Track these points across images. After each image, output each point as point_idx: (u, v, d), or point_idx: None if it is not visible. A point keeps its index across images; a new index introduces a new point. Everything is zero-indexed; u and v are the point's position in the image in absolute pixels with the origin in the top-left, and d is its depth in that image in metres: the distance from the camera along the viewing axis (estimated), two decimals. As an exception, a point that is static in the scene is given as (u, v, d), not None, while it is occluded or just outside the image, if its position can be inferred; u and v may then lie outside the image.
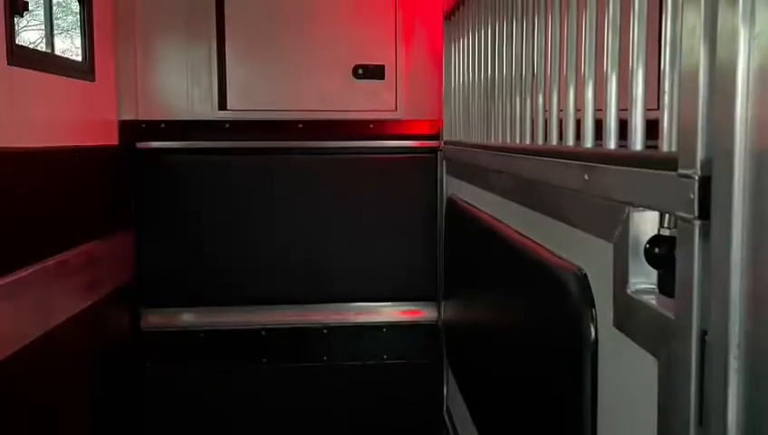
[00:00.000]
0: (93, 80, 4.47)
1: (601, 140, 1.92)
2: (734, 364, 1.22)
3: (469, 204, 3.90)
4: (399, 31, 5.18)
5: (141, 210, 5.11)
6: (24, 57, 3.53)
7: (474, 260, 3.73)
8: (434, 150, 5.17)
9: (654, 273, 1.68)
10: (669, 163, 1.41)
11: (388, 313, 5.34)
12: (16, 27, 3.45)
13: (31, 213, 3.60)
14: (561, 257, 2.24)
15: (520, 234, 2.74)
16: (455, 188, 4.55)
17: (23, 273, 3.44)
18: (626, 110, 1.75)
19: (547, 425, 2.37)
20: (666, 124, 1.56)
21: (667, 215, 1.59)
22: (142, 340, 5.17)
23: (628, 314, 1.73)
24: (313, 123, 5.19)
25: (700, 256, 1.32)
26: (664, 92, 1.55)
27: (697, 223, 1.31)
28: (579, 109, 2.14)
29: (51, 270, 3.73)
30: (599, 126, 1.98)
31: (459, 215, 4.13)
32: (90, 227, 4.35)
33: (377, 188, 5.26)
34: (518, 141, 2.85)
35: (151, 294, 5.18)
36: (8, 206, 3.36)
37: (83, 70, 4.37)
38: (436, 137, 5.13)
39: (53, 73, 3.90)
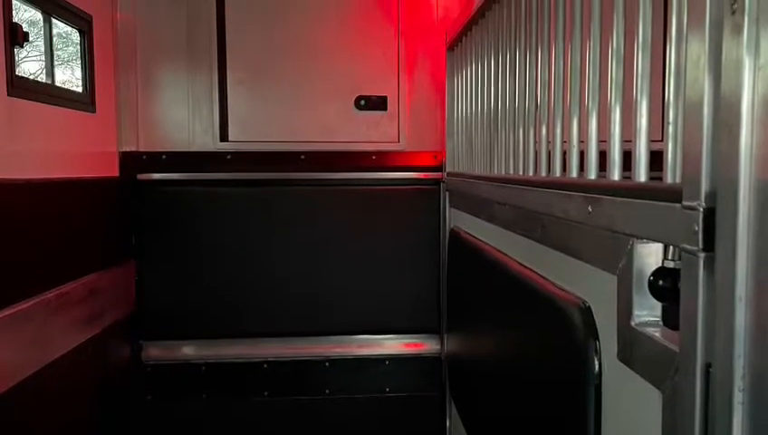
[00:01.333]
0: (94, 111, 4.48)
1: (605, 171, 1.91)
2: (738, 397, 1.20)
3: (472, 236, 3.89)
4: (402, 62, 5.19)
5: (142, 242, 5.10)
6: (24, 88, 3.53)
7: (477, 292, 3.72)
8: (437, 182, 5.17)
9: (658, 305, 1.67)
10: (673, 195, 1.40)
11: (391, 345, 5.32)
12: (16, 58, 3.45)
13: (31, 245, 3.58)
14: (564, 290, 2.23)
15: (523, 266, 2.73)
16: (457, 219, 4.54)
17: (22, 305, 3.43)
18: (630, 141, 1.74)
19: (551, 459, 2.35)
20: (670, 155, 1.55)
21: (671, 247, 1.58)
22: (143, 372, 5.14)
23: (633, 347, 1.71)
24: (315, 155, 5.19)
25: (704, 288, 1.30)
26: (668, 123, 1.54)
27: (702, 255, 1.30)
28: (582, 140, 2.13)
29: (51, 302, 3.72)
30: (602, 157, 1.97)
31: (462, 247, 4.11)
32: (90, 258, 4.34)
33: (379, 220, 5.25)
34: (521, 173, 2.85)
35: (152, 326, 5.16)
36: (8, 237, 3.35)
37: (84, 101, 4.37)
38: (439, 168, 5.13)
39: (54, 105, 3.90)
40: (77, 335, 4.06)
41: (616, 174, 1.87)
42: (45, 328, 3.65)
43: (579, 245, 2.10)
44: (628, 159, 1.78)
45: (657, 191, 1.54)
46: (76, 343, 4.02)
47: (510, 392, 2.92)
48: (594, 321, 1.99)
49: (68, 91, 4.23)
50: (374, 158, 5.22)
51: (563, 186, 2.19)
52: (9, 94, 3.36)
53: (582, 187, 2.01)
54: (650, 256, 1.67)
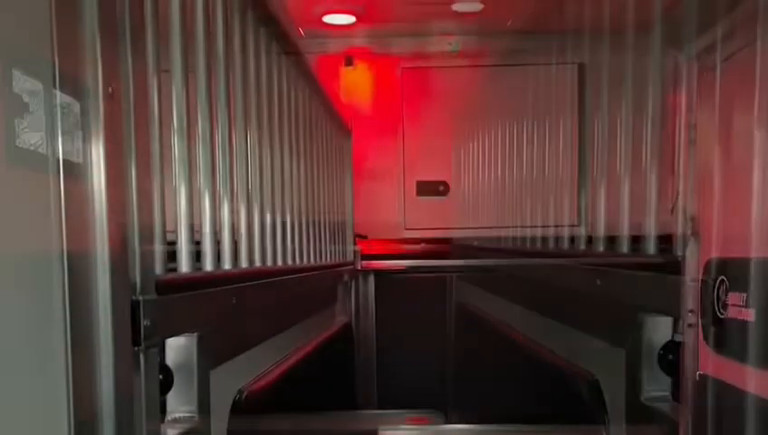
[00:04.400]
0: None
1: (613, 244, 1.91)
2: (751, 473, 1.19)
3: (479, 309, 3.87)
4: None
5: None
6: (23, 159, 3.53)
7: (483, 366, 3.69)
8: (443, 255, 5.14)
9: (668, 380, 1.65)
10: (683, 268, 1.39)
11: (394, 420, 5.25)
12: (15, 129, 3.46)
13: None
14: (572, 363, 2.21)
15: (530, 339, 2.71)
16: (465, 292, 4.52)
17: None
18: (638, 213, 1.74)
19: None
20: (679, 228, 1.54)
21: (680, 320, 1.57)
22: None
23: (641, 422, 1.69)
24: None
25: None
26: (677, 195, 1.54)
27: (712, 329, 1.28)
28: (590, 212, 2.13)
29: None
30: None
31: (469, 320, 4.09)
32: None
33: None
34: (529, 246, 2.84)
35: None
36: None
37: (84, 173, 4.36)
38: (446, 240, 5.12)
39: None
40: None
41: (624, 247, 1.86)
42: None
43: (586, 318, 2.09)
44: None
45: (666, 264, 1.53)
46: None
47: (517, 468, 2.88)
48: (602, 395, 1.96)
49: (66, 162, 4.24)
50: None
51: (572, 258, 2.18)
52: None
53: (591, 260, 2.00)
54: (660, 329, 1.65)
